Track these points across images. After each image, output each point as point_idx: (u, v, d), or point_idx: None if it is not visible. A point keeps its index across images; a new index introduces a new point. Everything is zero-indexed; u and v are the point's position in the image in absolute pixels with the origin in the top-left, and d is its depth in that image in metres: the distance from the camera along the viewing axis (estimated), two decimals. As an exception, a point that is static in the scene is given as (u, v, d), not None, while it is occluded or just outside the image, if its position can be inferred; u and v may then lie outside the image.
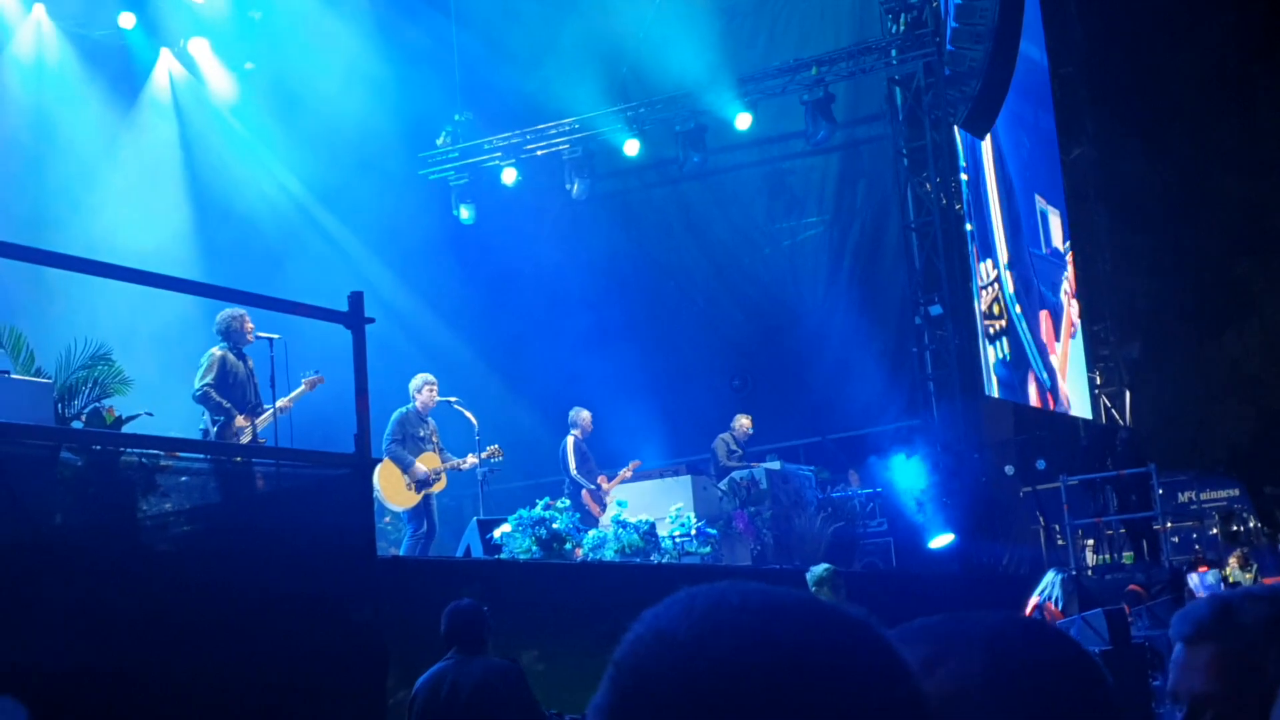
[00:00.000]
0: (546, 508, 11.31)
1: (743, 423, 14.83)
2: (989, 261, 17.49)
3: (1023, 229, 18.92)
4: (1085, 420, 19.96)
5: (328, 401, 11.08)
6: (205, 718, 5.69)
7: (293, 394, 10.43)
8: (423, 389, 12.01)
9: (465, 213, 18.55)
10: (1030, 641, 1.27)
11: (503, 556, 10.84)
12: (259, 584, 6.15)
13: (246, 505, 6.62)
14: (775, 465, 14.55)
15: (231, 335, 10.25)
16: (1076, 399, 19.85)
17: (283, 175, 17.23)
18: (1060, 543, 16.79)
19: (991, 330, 17.16)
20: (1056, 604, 10.93)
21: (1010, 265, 17.93)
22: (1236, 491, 18.70)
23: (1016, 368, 17.81)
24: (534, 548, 10.95)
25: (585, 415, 13.70)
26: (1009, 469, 17.29)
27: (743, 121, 17.35)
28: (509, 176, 18.41)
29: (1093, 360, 20.70)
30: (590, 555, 11.40)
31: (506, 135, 18.43)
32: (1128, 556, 16.68)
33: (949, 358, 16.48)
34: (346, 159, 17.09)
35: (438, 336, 17.17)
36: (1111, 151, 21.15)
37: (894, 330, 17.58)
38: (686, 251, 18.98)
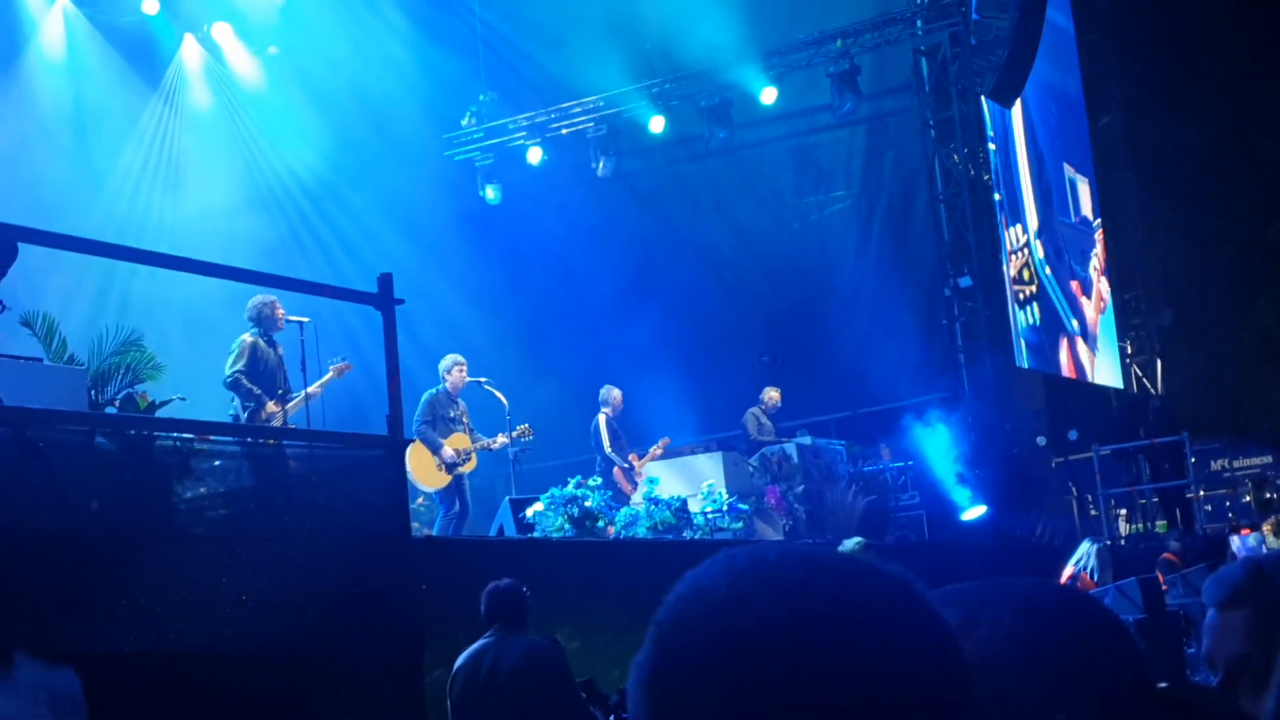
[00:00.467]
0: (578, 486, 11.35)
1: (771, 395, 14.84)
2: (1018, 227, 17.38)
3: (1053, 198, 18.79)
4: (1117, 390, 19.85)
5: (357, 383, 11.16)
6: (243, 698, 5.74)
7: (321, 380, 10.48)
8: (452, 369, 12.05)
9: (491, 193, 18.57)
10: (1062, 606, 1.27)
11: (535, 535, 10.89)
12: (294, 566, 6.20)
13: (280, 488, 6.66)
14: (806, 440, 14.55)
15: (263, 321, 10.28)
16: (1108, 369, 19.73)
17: (308, 158, 17.26)
18: (1093, 513, 16.72)
19: (1021, 296, 17.08)
20: (1092, 575, 10.90)
21: (1040, 233, 17.81)
22: (1270, 459, 18.58)
23: (1048, 332, 17.69)
24: (566, 526, 10.99)
25: (616, 394, 13.72)
26: (1041, 440, 17.23)
27: (768, 96, 17.28)
28: (534, 156, 18.40)
29: (1124, 329, 20.57)
30: (623, 533, 11.44)
31: (531, 114, 18.41)
32: (1161, 525, 16.60)
33: (979, 329, 16.42)
34: (371, 141, 17.12)
35: (466, 317, 17.20)
36: (1140, 118, 20.95)
37: (923, 302, 17.52)
38: (714, 228, 18.93)
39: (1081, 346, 18.80)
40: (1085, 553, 11.14)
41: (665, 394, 15.84)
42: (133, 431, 6.39)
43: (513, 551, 9.76)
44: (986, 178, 16.91)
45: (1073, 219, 19.48)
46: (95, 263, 13.13)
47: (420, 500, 12.85)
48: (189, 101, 16.88)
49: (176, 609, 5.61)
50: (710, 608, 0.91)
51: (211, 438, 6.60)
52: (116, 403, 8.73)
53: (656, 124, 17.81)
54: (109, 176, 15.80)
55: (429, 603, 7.13)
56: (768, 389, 14.93)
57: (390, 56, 17.24)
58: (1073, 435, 17.35)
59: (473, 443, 11.96)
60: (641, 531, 11.51)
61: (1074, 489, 17.32)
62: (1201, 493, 16.00)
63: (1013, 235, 17.18)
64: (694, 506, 12.18)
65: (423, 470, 11.66)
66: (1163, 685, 1.27)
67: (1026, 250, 17.49)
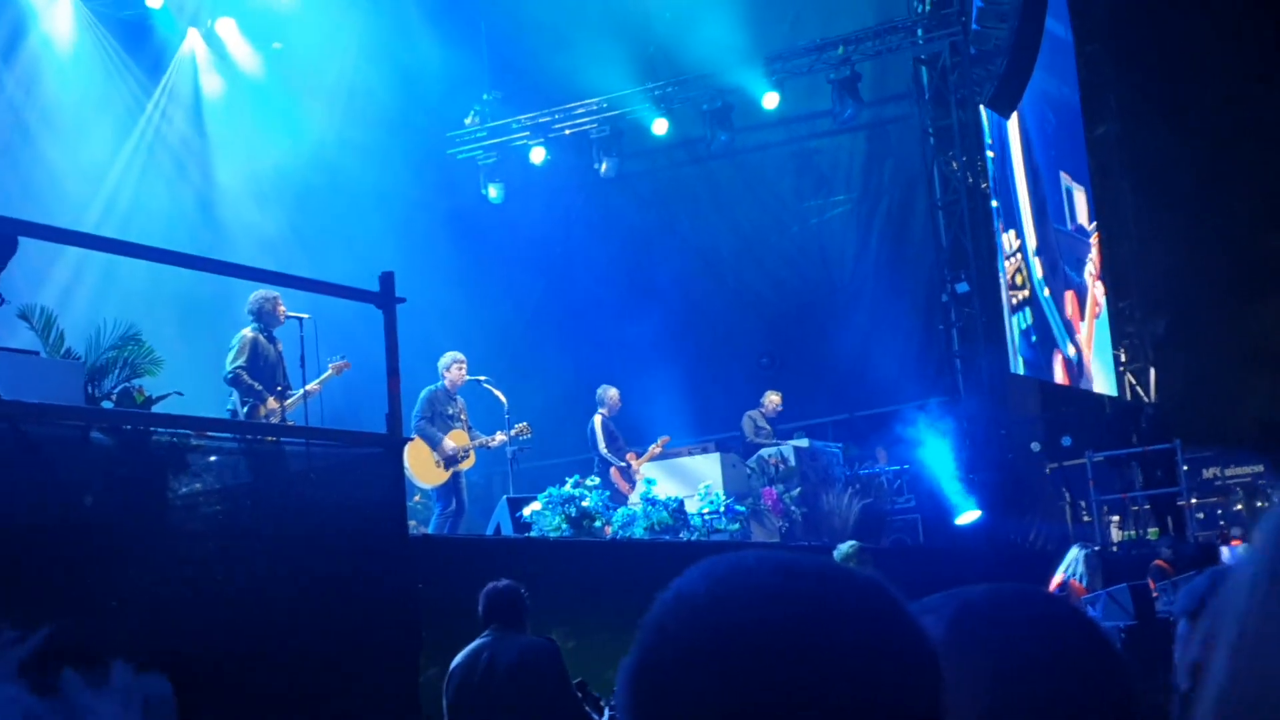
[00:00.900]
0: (576, 485, 11.38)
1: (772, 399, 14.87)
2: (1012, 232, 17.45)
3: (1048, 207, 18.85)
4: (1110, 397, 19.91)
5: (356, 380, 11.17)
6: (238, 695, 5.77)
7: (321, 378, 10.50)
8: (451, 367, 12.08)
9: (494, 192, 18.60)
10: (996, 604, 1.29)
11: (532, 534, 10.92)
12: (290, 563, 6.23)
13: (277, 485, 6.69)
14: (803, 442, 14.59)
15: (264, 317, 10.31)
16: (1101, 376, 19.79)
17: (309, 154, 17.27)
18: (1086, 518, 16.78)
19: (1015, 300, 17.15)
20: (1081, 580, 10.93)
21: (1039, 251, 17.86)
22: (1261, 468, 18.64)
23: (1043, 346, 17.77)
24: (564, 525, 11.01)
25: (613, 393, 13.76)
26: (1035, 445, 17.29)
27: (770, 100, 17.34)
28: (537, 156, 18.44)
29: (1118, 337, 20.63)
30: (620, 533, 11.47)
31: (534, 114, 18.45)
32: (1153, 532, 16.66)
33: (976, 335, 16.48)
34: (375, 139, 17.13)
35: (466, 315, 17.22)
36: (1137, 128, 21.01)
37: (921, 308, 17.58)
38: (715, 230, 18.98)
39: (1075, 364, 18.84)
40: (1074, 559, 11.17)
41: (664, 395, 15.89)
42: (129, 426, 6.41)
43: (509, 550, 9.79)
44: (984, 185, 16.98)
45: (1069, 227, 19.53)
46: (94, 256, 13.14)
47: (417, 498, 12.87)
48: (191, 96, 16.89)
49: (171, 605, 5.64)
50: (691, 611, 0.96)
51: (208, 434, 6.62)
52: (113, 397, 8.73)
53: (659, 126, 17.86)
54: (110, 170, 15.81)
55: (425, 601, 7.15)
56: (769, 393, 14.97)
57: (394, 54, 17.26)
58: (1066, 441, 17.41)
59: (471, 440, 11.99)
60: (638, 532, 11.55)
61: (1067, 495, 17.38)
62: (1193, 500, 16.07)
63: (1008, 240, 17.25)
64: (691, 507, 12.22)
65: (420, 467, 11.69)
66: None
67: (1020, 255, 17.55)
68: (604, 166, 18.00)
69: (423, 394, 11.92)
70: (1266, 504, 17.13)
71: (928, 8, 16.84)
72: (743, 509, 12.55)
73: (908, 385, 16.61)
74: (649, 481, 12.52)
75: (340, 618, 6.34)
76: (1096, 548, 11.85)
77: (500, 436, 12.20)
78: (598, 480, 11.81)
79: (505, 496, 12.06)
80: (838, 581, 0.98)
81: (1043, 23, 15.61)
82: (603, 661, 8.14)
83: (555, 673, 6.50)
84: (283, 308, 10.34)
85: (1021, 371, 17.15)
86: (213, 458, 6.48)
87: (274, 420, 10.09)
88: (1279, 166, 20.07)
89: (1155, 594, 10.95)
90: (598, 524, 11.21)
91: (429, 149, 18.26)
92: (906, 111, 17.61)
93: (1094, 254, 20.18)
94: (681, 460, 13.59)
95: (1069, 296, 18.93)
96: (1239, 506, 18.18)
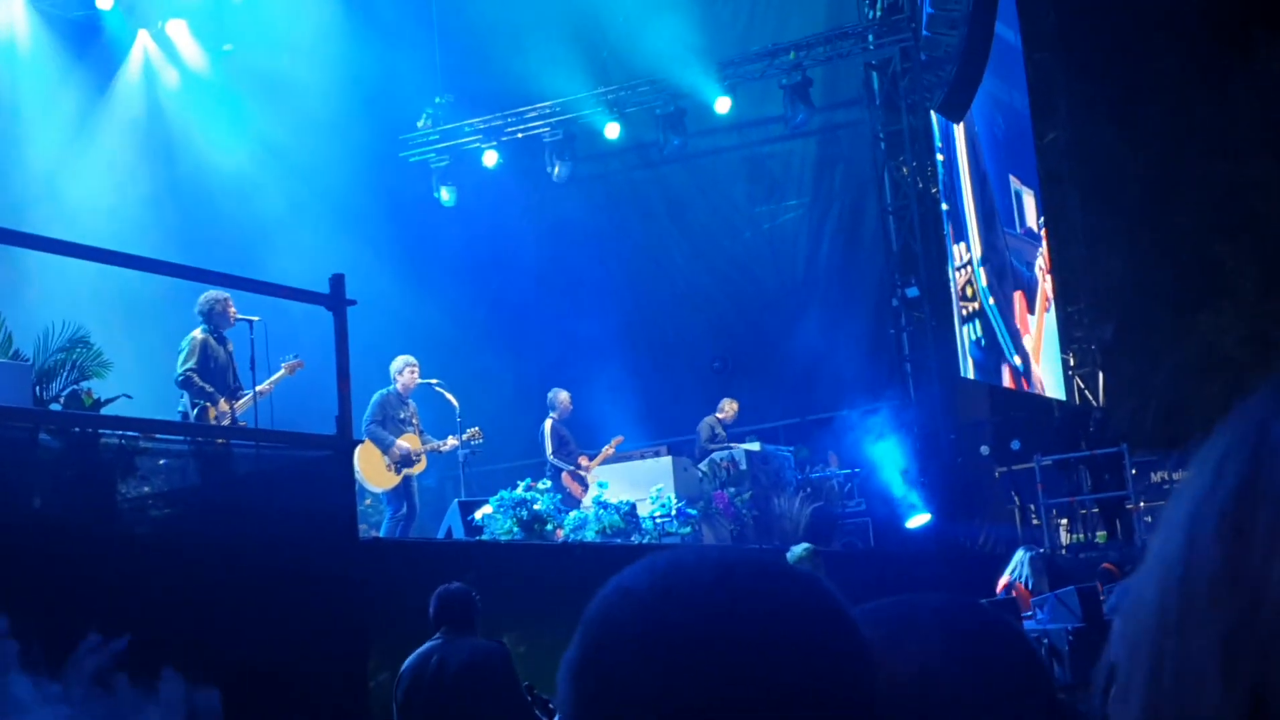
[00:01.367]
0: (528, 489, 11.38)
1: (731, 406, 14.94)
2: (963, 244, 17.61)
3: (997, 211, 19.02)
4: (1059, 401, 20.12)
5: (308, 383, 11.11)
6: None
7: (272, 378, 10.45)
8: (404, 370, 12.05)
9: (446, 195, 18.56)
10: (978, 623, 1.33)
11: (484, 538, 10.91)
12: (240, 566, 6.20)
13: (227, 487, 6.66)
14: (755, 446, 14.65)
15: (213, 318, 10.25)
16: (1050, 380, 19.99)
17: (262, 157, 17.17)
18: (1035, 522, 16.94)
19: (965, 311, 17.30)
20: (1027, 583, 11.05)
21: (983, 260, 18.03)
22: (1209, 472, 18.86)
23: (991, 353, 17.94)
24: (515, 529, 11.02)
25: (564, 396, 13.76)
26: (984, 449, 17.44)
27: (722, 105, 17.41)
28: (490, 159, 18.42)
29: (1066, 341, 20.84)
30: (571, 536, 11.48)
31: (487, 118, 18.43)
32: (1101, 536, 16.85)
33: (925, 340, 16.60)
34: (327, 141, 17.04)
35: (418, 318, 17.16)
36: (1086, 135, 21.26)
37: (872, 312, 17.68)
38: (667, 234, 19.03)
39: (1024, 369, 19.01)
40: (1019, 561, 11.30)
41: (616, 398, 15.90)
42: (77, 429, 6.37)
43: (460, 554, 9.77)
44: (935, 190, 17.12)
45: (1018, 230, 19.73)
46: (43, 256, 13.00)
47: (368, 501, 12.83)
48: (141, 98, 16.76)
49: (116, 608, 5.60)
50: (632, 605, 0.98)
51: (157, 436, 6.59)
52: (61, 399, 8.67)
53: (612, 130, 17.89)
54: (59, 171, 15.66)
55: (375, 605, 7.14)
56: (726, 400, 15.03)
57: (347, 57, 17.18)
58: (1015, 445, 17.57)
59: (422, 444, 11.96)
60: (590, 535, 11.57)
61: (1016, 498, 17.53)
62: (1141, 504, 16.24)
63: (959, 251, 17.40)
64: (643, 511, 12.25)
65: (371, 470, 11.65)
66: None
67: (970, 268, 17.71)
68: (556, 170, 18.01)
69: (375, 397, 11.89)
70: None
71: (879, 14, 16.97)
72: (694, 512, 12.59)
73: (859, 389, 16.71)
74: (601, 485, 12.54)
75: (288, 621, 6.32)
76: (1042, 549, 11.99)
77: (452, 441, 12.18)
78: (549, 484, 11.81)
79: (457, 500, 12.05)
80: (776, 576, 1.01)
81: (992, 30, 15.77)
82: (553, 664, 8.05)
83: (505, 676, 6.51)
84: (233, 309, 10.28)
85: (971, 376, 17.30)
86: (162, 460, 6.45)
87: (225, 422, 10.03)
88: (1225, 175, 20.38)
89: (1103, 597, 11.07)
90: (549, 527, 11.22)
91: (381, 152, 18.20)
92: (858, 117, 17.73)
93: (1043, 248, 20.41)
94: (633, 464, 13.61)
95: (1017, 297, 19.10)
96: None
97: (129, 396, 9.02)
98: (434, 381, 12.59)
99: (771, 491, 14.17)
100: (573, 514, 11.85)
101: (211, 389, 10.07)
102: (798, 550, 9.47)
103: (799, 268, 18.47)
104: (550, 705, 6.87)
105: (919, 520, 15.34)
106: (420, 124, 18.59)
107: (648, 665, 0.95)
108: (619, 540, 11.54)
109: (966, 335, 17.17)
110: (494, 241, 18.90)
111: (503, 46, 17.98)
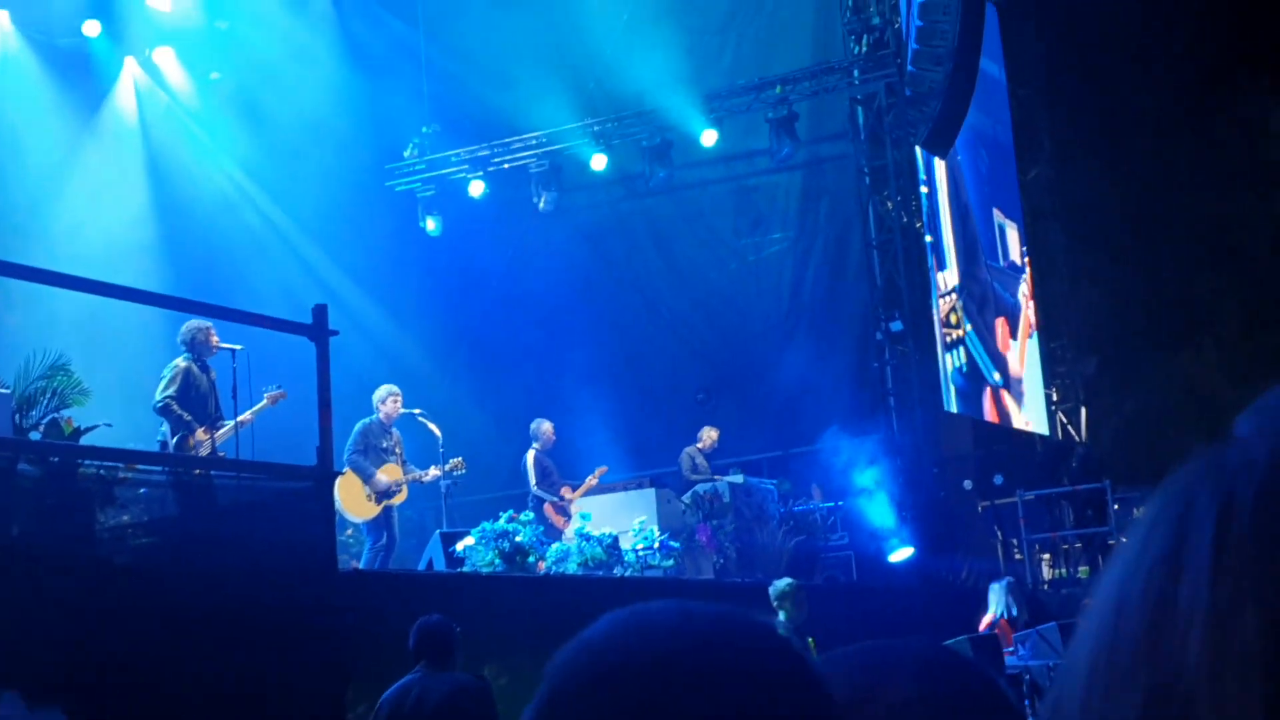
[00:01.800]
0: (510, 520, 11.34)
1: (710, 435, 14.92)
2: (946, 272, 17.71)
3: (980, 244, 19.12)
4: (1042, 436, 20.16)
5: (291, 412, 11.09)
6: (164, 730, 5.69)
7: (254, 408, 10.42)
8: (387, 400, 12.03)
9: (432, 224, 18.56)
10: (953, 671, 1.33)
11: (465, 569, 10.86)
12: (219, 597, 6.17)
13: (206, 518, 6.63)
14: (738, 479, 14.63)
15: (196, 347, 10.23)
16: (1034, 414, 20.04)
17: (247, 185, 17.19)
18: (1018, 557, 16.95)
19: (949, 338, 17.37)
20: (1011, 612, 11.05)
21: (960, 289, 18.11)
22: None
23: (974, 382, 18.00)
24: (497, 560, 10.97)
25: (546, 427, 13.74)
26: (967, 483, 17.45)
27: (708, 138, 17.48)
28: (476, 189, 18.45)
29: (1049, 377, 20.91)
30: (553, 568, 11.44)
31: (474, 148, 18.46)
32: (1083, 571, 16.85)
33: (909, 373, 16.63)
34: (312, 170, 17.08)
35: (403, 348, 17.17)
36: (1069, 171, 21.38)
37: (856, 346, 17.72)
38: (653, 266, 19.06)
39: (1005, 396, 19.09)
40: (997, 596, 11.31)
41: (600, 430, 15.89)
42: (56, 458, 6.34)
43: (441, 585, 9.74)
44: (919, 224, 17.19)
45: (1001, 263, 19.83)
46: (25, 285, 12.97)
47: (349, 532, 12.78)
48: (128, 125, 16.77)
49: (95, 638, 5.57)
50: (585, 653, 0.99)
51: (137, 465, 6.56)
52: (41, 428, 8.63)
53: (598, 161, 17.93)
54: (44, 199, 15.64)
55: (354, 637, 7.10)
56: (706, 429, 15.02)
57: (334, 86, 17.24)
58: (998, 480, 17.59)
59: (405, 474, 11.93)
60: (572, 567, 11.52)
61: (999, 533, 17.55)
62: (1124, 539, 16.29)
63: (942, 279, 17.49)
64: (625, 543, 12.21)
65: (352, 500, 11.61)
66: None
67: (954, 295, 17.79)
68: (542, 201, 18.04)
69: (357, 427, 11.86)
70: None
71: (864, 49, 17.08)
72: (677, 545, 12.55)
73: (843, 422, 16.73)
74: (584, 516, 12.50)
75: (267, 653, 6.28)
76: (1011, 579, 11.98)
77: (434, 471, 12.15)
78: (532, 515, 11.78)
79: (438, 531, 12.00)
80: (734, 625, 1.01)
81: (977, 67, 15.87)
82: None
83: (485, 712, 6.47)
84: (215, 338, 10.27)
85: (955, 409, 17.33)
86: (142, 489, 6.42)
87: (204, 451, 10.00)
88: (1207, 211, 20.51)
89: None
90: (531, 559, 11.18)
91: (367, 181, 18.22)
92: (843, 151, 17.80)
93: (1026, 274, 20.54)
94: (617, 495, 13.59)
95: (1000, 324, 19.19)
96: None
97: (109, 425, 8.99)
98: (416, 411, 12.57)
99: (754, 524, 14.15)
100: (555, 546, 11.81)
101: (190, 417, 10.04)
102: (780, 585, 9.45)
103: (784, 300, 18.51)
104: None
105: (902, 554, 15.33)
106: (406, 153, 18.61)
107: (602, 711, 0.95)
108: (601, 573, 11.51)
109: (949, 362, 17.23)
110: (479, 272, 18.91)
111: (489, 77, 18.04)
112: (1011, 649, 10.64)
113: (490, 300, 18.91)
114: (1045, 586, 16.36)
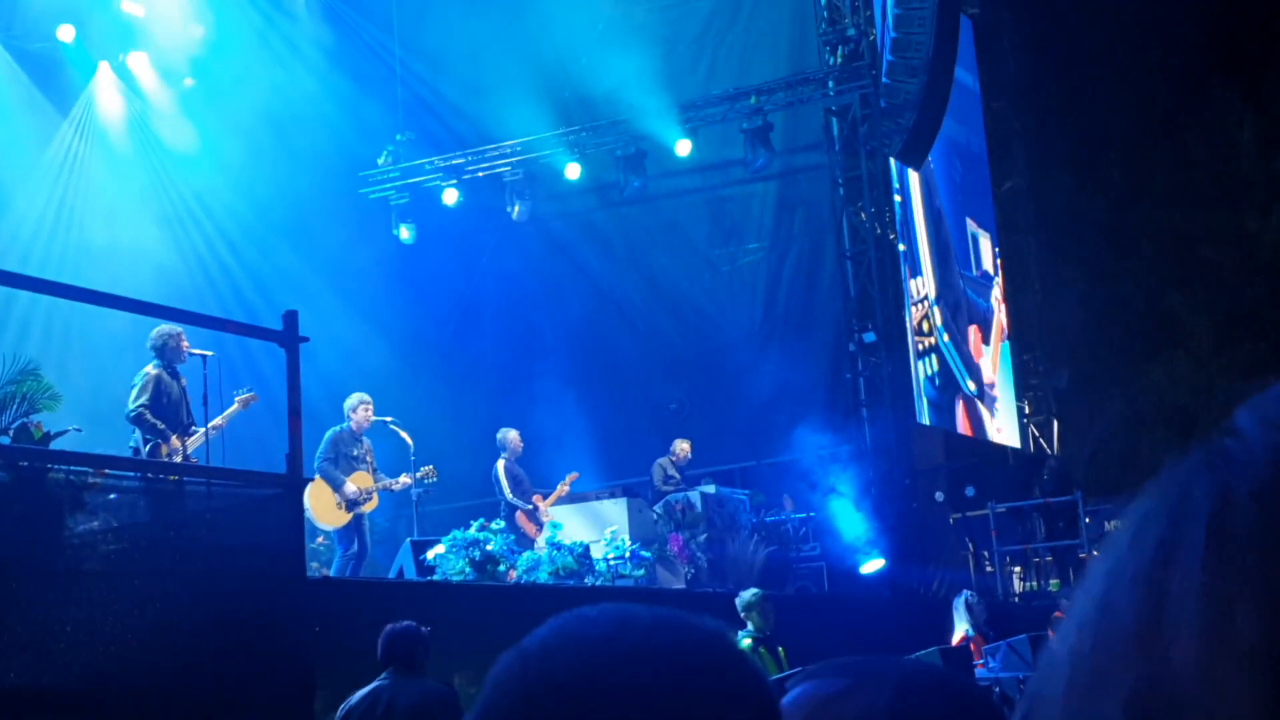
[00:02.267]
0: (481, 529, 11.31)
1: (682, 446, 14.91)
2: (919, 279, 17.78)
3: (954, 253, 19.20)
4: (1014, 448, 20.25)
5: (261, 419, 11.05)
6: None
7: (226, 413, 10.37)
8: (358, 408, 11.98)
9: (405, 233, 18.52)
10: (932, 683, 1.33)
11: (436, 578, 10.83)
12: (187, 604, 6.13)
13: (176, 524, 6.59)
14: (710, 489, 14.63)
15: (166, 353, 10.16)
16: (1006, 422, 20.12)
17: (220, 191, 17.12)
18: (989, 569, 17.00)
19: (921, 346, 17.44)
20: (984, 635, 11.07)
21: (937, 299, 18.18)
22: (1162, 521, 19.01)
23: (946, 391, 18.07)
24: (467, 569, 10.94)
25: (513, 436, 13.66)
26: (939, 495, 17.50)
27: (683, 148, 17.50)
28: (450, 197, 18.42)
29: (1021, 389, 21.00)
30: (524, 577, 11.40)
31: (448, 156, 18.44)
32: (1054, 584, 16.91)
33: (882, 385, 16.66)
34: (285, 176, 17.01)
35: (374, 356, 17.10)
36: (1043, 184, 21.51)
37: (829, 356, 17.74)
38: (626, 275, 19.06)
39: (980, 406, 19.17)
40: (963, 611, 11.34)
41: (572, 439, 15.87)
42: (25, 463, 6.29)
43: (411, 594, 9.70)
44: (892, 236, 17.25)
45: (974, 273, 19.93)
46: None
47: (320, 539, 12.72)
48: (100, 130, 16.68)
49: (63, 645, 5.52)
50: (520, 662, 0.97)
51: (107, 471, 6.52)
52: (10, 433, 8.56)
53: (572, 171, 17.94)
54: (14, 203, 15.55)
55: (323, 645, 7.06)
56: (679, 441, 15.01)
57: (308, 93, 17.19)
58: (970, 492, 17.64)
59: (375, 482, 11.89)
60: (543, 577, 11.49)
61: (970, 545, 17.59)
62: (1094, 552, 16.32)
63: (915, 287, 17.56)
64: (596, 552, 12.19)
65: (322, 508, 11.56)
66: None
67: (927, 303, 17.86)
68: (516, 210, 18.03)
69: (328, 434, 11.81)
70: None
71: (839, 61, 17.13)
72: (648, 555, 12.54)
73: (815, 433, 16.76)
74: (555, 525, 12.48)
75: (234, 661, 6.25)
76: (968, 593, 12.02)
77: (405, 479, 12.11)
78: (503, 524, 11.75)
79: (409, 539, 11.96)
80: (674, 630, 0.99)
81: (951, 79, 15.96)
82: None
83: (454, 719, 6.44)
84: (186, 344, 10.20)
85: (927, 421, 17.39)
86: (111, 495, 6.38)
87: (176, 458, 9.93)
88: (1179, 226, 20.67)
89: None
90: (502, 568, 11.14)
91: (341, 188, 18.18)
92: (817, 161, 17.85)
93: (999, 279, 20.64)
94: (589, 505, 13.57)
95: (972, 331, 19.27)
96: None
97: (79, 429, 8.93)
98: (388, 419, 12.52)
99: (726, 534, 14.14)
100: (525, 555, 11.77)
101: (163, 426, 9.98)
102: (746, 596, 9.45)
103: (757, 311, 18.53)
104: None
105: (873, 565, 15.36)
106: (381, 161, 18.58)
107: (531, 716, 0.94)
108: (572, 582, 11.48)
109: (922, 371, 17.29)
110: (453, 280, 18.89)
111: (464, 85, 18.04)
112: (981, 661, 10.67)
113: (464, 308, 18.88)
114: (1016, 599, 16.42)
